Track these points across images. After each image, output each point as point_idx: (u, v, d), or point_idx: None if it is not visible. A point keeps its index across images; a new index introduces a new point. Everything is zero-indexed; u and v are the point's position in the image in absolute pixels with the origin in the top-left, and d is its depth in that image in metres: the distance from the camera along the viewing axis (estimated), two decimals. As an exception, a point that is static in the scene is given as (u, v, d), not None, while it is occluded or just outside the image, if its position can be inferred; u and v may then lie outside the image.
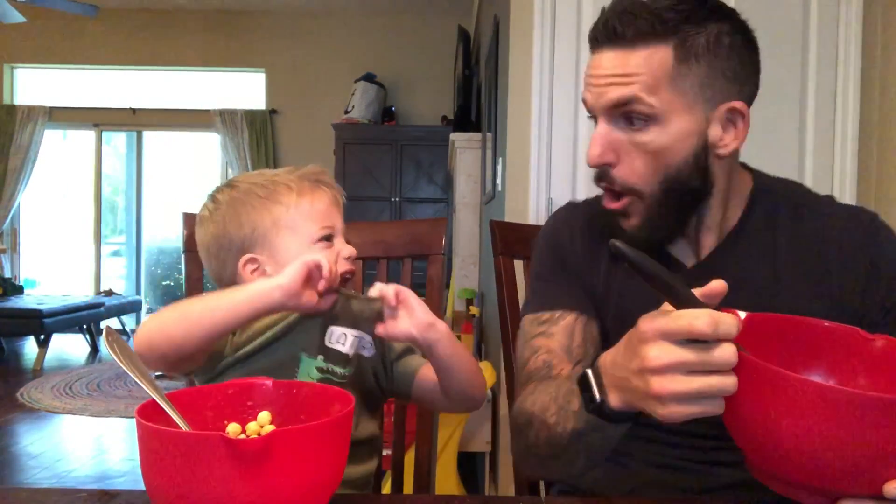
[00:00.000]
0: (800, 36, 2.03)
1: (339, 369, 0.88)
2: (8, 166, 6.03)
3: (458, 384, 0.86)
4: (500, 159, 2.51)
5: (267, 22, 6.11)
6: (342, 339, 0.89)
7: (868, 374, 0.60)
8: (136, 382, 0.60)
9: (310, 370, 0.87)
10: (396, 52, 6.04)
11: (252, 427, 0.64)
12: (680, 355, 0.55)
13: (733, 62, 0.77)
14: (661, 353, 0.56)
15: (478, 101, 4.06)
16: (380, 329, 0.79)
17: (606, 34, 0.77)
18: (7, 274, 6.23)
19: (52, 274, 6.72)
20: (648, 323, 0.58)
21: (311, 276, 0.76)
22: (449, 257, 4.16)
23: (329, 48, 6.10)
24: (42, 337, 5.07)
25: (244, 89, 6.27)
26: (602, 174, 0.80)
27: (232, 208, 0.90)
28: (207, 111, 6.10)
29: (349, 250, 0.90)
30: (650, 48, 0.75)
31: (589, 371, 0.68)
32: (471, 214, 3.97)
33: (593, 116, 0.82)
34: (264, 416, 0.65)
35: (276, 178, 0.91)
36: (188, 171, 6.69)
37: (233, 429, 0.63)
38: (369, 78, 5.62)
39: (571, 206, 0.99)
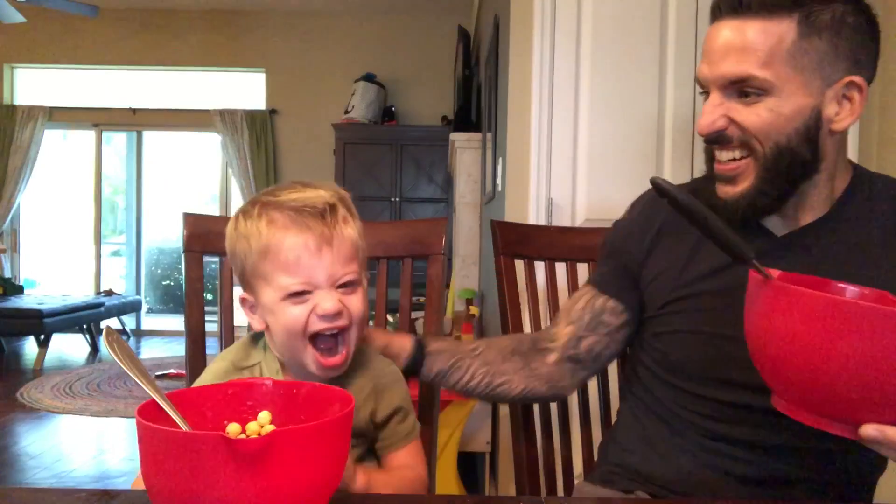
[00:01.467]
0: (800, 36, 2.03)
1: None
2: (8, 166, 6.03)
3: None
4: (500, 159, 2.51)
5: (267, 22, 6.11)
6: None
7: None
8: (136, 382, 0.60)
9: None
10: (396, 52, 6.04)
11: (252, 427, 0.64)
12: None
13: (855, 42, 0.77)
14: None
15: (478, 101, 4.06)
16: None
17: (731, 3, 0.77)
18: (7, 274, 6.23)
19: (52, 274, 6.72)
20: None
21: None
22: (449, 257, 4.16)
23: (329, 48, 6.10)
24: (42, 337, 5.08)
25: (244, 89, 6.27)
26: (716, 138, 0.81)
27: (231, 232, 0.83)
28: (207, 111, 6.10)
29: (325, 307, 0.77)
30: (774, 20, 0.75)
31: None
32: (471, 214, 3.97)
33: (705, 91, 0.82)
34: (264, 416, 0.65)
35: (265, 205, 0.80)
36: (188, 171, 6.69)
37: (233, 429, 0.63)
38: (369, 78, 5.62)
39: (651, 196, 1.00)
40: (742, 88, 0.77)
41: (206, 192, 6.73)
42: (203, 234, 1.13)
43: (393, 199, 5.52)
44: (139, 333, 6.54)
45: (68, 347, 5.76)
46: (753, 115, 0.77)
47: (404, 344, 0.92)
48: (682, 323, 0.88)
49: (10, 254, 6.38)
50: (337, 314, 0.78)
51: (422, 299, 1.31)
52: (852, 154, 2.03)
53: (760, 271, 0.57)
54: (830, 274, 0.73)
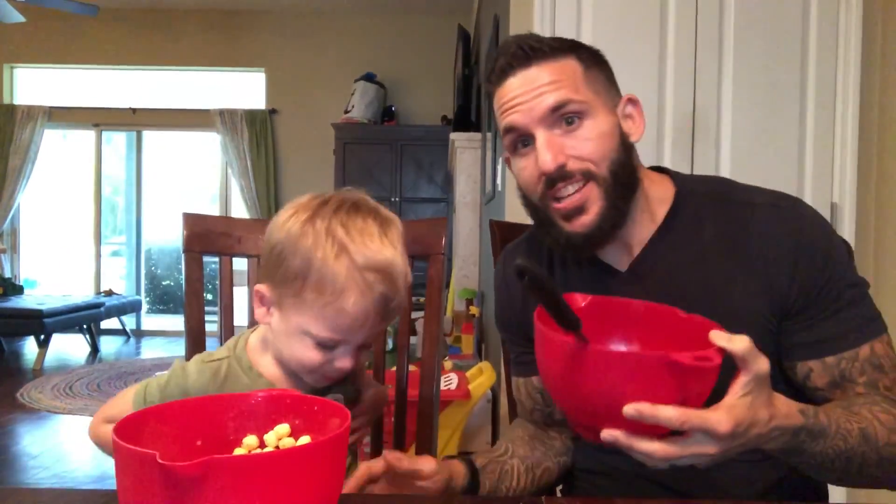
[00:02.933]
0: (800, 36, 2.03)
1: None
2: (8, 166, 6.03)
3: None
4: (500, 159, 2.51)
5: (267, 22, 6.11)
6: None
7: (673, 344, 0.67)
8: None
9: None
10: (396, 52, 6.04)
11: (270, 439, 0.64)
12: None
13: (609, 73, 0.90)
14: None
15: (478, 101, 4.06)
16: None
17: (524, 56, 0.84)
18: (7, 274, 6.23)
19: (52, 274, 6.72)
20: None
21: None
22: (449, 257, 4.16)
23: (329, 48, 6.10)
24: (42, 337, 5.07)
25: (244, 89, 6.27)
26: (558, 177, 0.84)
27: (293, 228, 0.78)
28: (207, 111, 6.10)
29: (344, 364, 0.79)
30: (561, 61, 0.85)
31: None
32: (471, 214, 3.97)
33: (521, 140, 0.87)
34: (283, 428, 0.64)
35: (344, 246, 0.76)
36: (188, 171, 6.69)
37: (249, 441, 0.63)
38: (369, 78, 5.62)
39: (508, 254, 1.06)
40: (564, 115, 0.83)
41: (206, 192, 6.73)
42: (203, 234, 1.14)
43: (393, 199, 5.52)
44: (139, 333, 6.54)
45: (68, 347, 5.76)
46: (583, 141, 0.83)
47: (458, 468, 0.91)
48: None
49: (10, 254, 6.38)
50: (353, 370, 0.82)
51: (422, 299, 1.31)
52: (852, 154, 2.03)
53: (582, 340, 0.62)
54: (680, 291, 0.83)
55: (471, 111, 4.15)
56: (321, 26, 6.09)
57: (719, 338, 0.61)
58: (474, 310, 3.53)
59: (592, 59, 0.88)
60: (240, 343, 0.87)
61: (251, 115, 6.07)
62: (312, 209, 0.79)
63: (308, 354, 0.79)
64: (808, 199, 2.05)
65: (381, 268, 0.76)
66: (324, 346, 0.78)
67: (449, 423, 2.12)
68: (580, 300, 0.75)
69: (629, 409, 0.58)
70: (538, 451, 0.99)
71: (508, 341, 1.06)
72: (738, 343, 0.61)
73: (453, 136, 3.94)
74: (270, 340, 0.84)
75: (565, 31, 2.01)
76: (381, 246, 0.77)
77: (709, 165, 2.03)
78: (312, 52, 6.10)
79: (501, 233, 1.25)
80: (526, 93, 0.84)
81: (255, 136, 6.06)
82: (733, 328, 0.65)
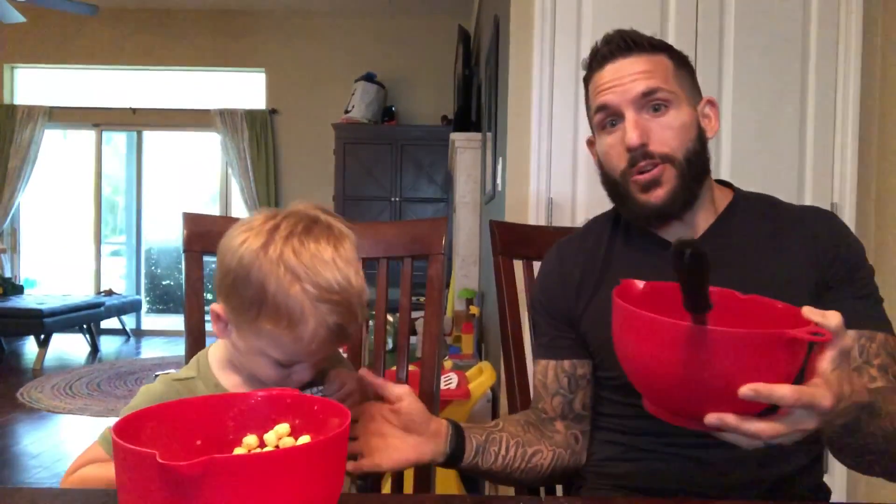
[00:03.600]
0: (800, 36, 2.03)
1: None
2: (8, 166, 6.03)
3: None
4: (500, 159, 2.51)
5: (267, 22, 6.11)
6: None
7: (740, 324, 0.68)
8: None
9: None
10: (396, 52, 6.04)
11: (270, 439, 0.64)
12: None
13: (694, 77, 1.00)
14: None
15: (478, 101, 4.06)
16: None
17: (625, 47, 0.94)
18: (7, 274, 6.23)
19: (52, 274, 6.72)
20: None
21: None
22: (449, 257, 4.16)
23: (329, 48, 6.10)
24: (42, 337, 5.07)
25: (244, 89, 6.27)
26: (640, 155, 0.92)
27: (244, 246, 0.77)
28: (207, 111, 6.10)
29: (301, 378, 0.81)
30: (656, 55, 0.95)
31: None
32: (471, 214, 3.97)
33: (609, 120, 0.95)
34: (282, 428, 0.64)
35: (298, 276, 0.74)
36: (188, 171, 6.69)
37: (249, 440, 0.63)
38: (369, 78, 5.62)
39: (557, 243, 1.10)
40: (653, 101, 0.92)
41: (206, 192, 6.73)
42: (203, 234, 1.13)
43: (393, 199, 5.51)
44: (139, 333, 6.54)
45: (68, 347, 5.76)
46: (666, 128, 0.92)
47: (442, 424, 0.91)
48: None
49: (10, 254, 6.38)
50: (311, 383, 0.83)
51: (422, 299, 1.31)
52: (852, 154, 2.03)
53: (702, 322, 0.62)
54: (740, 266, 0.91)
55: (471, 111, 4.15)
56: (321, 26, 6.09)
57: (813, 313, 0.63)
58: (474, 310, 3.53)
59: (682, 61, 0.98)
60: (202, 361, 0.87)
61: (251, 115, 6.07)
62: (264, 235, 0.76)
63: (267, 372, 0.80)
64: (808, 199, 2.05)
65: (336, 296, 0.75)
66: (282, 365, 0.79)
67: (449, 423, 2.12)
68: (638, 285, 0.77)
69: (746, 389, 0.59)
70: (531, 434, 0.99)
71: (545, 325, 1.06)
72: (832, 318, 0.63)
73: (453, 136, 3.94)
74: (231, 353, 0.84)
75: (565, 32, 2.02)
76: (335, 272, 0.75)
77: (710, 164, 2.02)
78: (312, 52, 6.10)
79: (501, 233, 1.25)
80: (622, 77, 0.93)
81: (256, 136, 6.06)
82: (784, 295, 0.71)
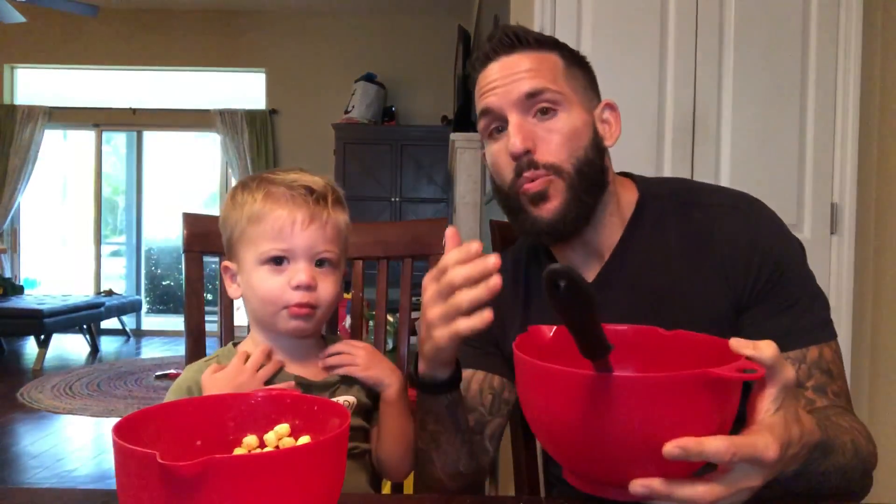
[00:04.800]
0: (800, 36, 2.03)
1: None
2: (8, 166, 6.03)
3: (391, 447, 0.89)
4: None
5: (267, 22, 6.11)
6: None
7: (665, 365, 0.61)
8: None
9: None
10: (396, 52, 6.04)
11: (270, 439, 0.64)
12: (432, 287, 0.68)
13: (591, 76, 0.91)
14: (428, 290, 0.69)
15: (478, 101, 4.05)
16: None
17: (508, 44, 0.86)
18: (7, 274, 6.23)
19: (52, 274, 6.72)
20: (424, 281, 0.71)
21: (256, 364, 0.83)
22: (449, 257, 4.15)
23: (329, 48, 6.10)
24: (42, 337, 5.07)
25: (244, 89, 6.27)
26: (525, 164, 0.84)
27: (228, 202, 0.88)
28: (207, 111, 6.10)
29: (300, 278, 0.82)
30: (544, 52, 0.86)
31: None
32: (471, 214, 3.97)
33: (495, 126, 0.87)
34: (282, 428, 0.64)
35: (264, 180, 0.86)
36: (188, 171, 6.69)
37: (249, 440, 0.63)
38: (369, 78, 5.62)
39: None
40: (540, 103, 0.84)
41: (206, 192, 6.73)
42: (203, 234, 1.13)
43: (393, 199, 5.51)
44: (139, 333, 6.54)
45: (68, 347, 5.76)
46: (554, 133, 0.84)
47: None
48: None
49: (10, 254, 6.38)
50: (310, 286, 0.83)
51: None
52: (852, 154, 2.03)
53: (606, 369, 0.53)
54: (646, 297, 0.83)
55: (471, 111, 4.15)
56: (321, 26, 6.09)
57: (742, 345, 0.55)
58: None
59: (574, 59, 0.89)
60: (229, 345, 0.93)
61: (251, 116, 6.07)
62: (240, 183, 0.89)
63: (266, 284, 0.84)
64: (807, 200, 2.05)
65: (298, 184, 0.84)
66: (276, 263, 0.83)
67: (449, 423, 2.12)
68: (546, 331, 0.67)
69: (671, 447, 0.50)
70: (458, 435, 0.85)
71: (473, 339, 0.91)
72: (765, 350, 0.54)
73: (453, 136, 3.94)
74: (248, 314, 0.89)
75: (565, 32, 2.01)
76: (298, 174, 0.86)
77: (709, 165, 2.03)
78: (312, 52, 6.10)
79: (501, 233, 1.25)
80: (505, 76, 0.85)
81: (256, 136, 6.06)
82: (699, 328, 0.63)
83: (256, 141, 6.05)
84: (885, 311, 1.90)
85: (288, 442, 0.63)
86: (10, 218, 6.19)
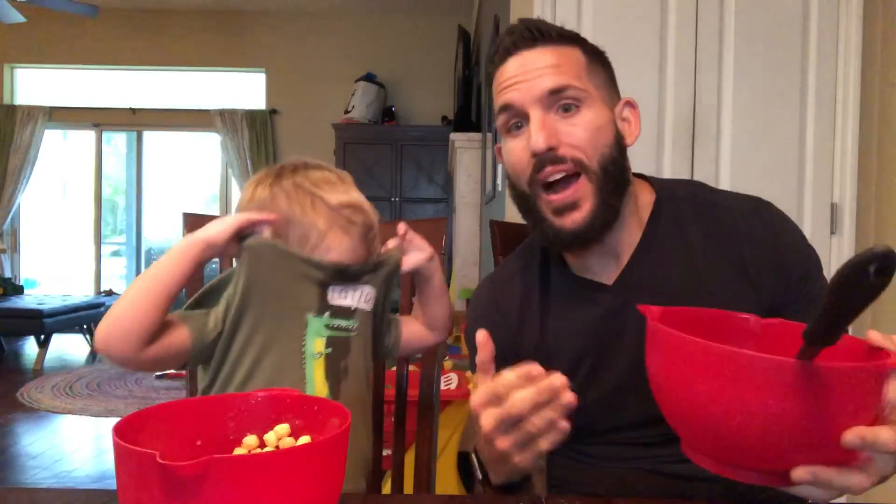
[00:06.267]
0: (800, 36, 2.03)
1: (344, 323, 0.88)
2: (8, 166, 6.03)
3: (443, 311, 0.99)
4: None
5: (267, 22, 6.11)
6: (343, 294, 0.87)
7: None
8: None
9: (319, 329, 0.86)
10: (396, 52, 6.04)
11: (270, 439, 0.64)
12: (495, 414, 0.63)
13: (611, 73, 0.89)
14: (486, 418, 0.64)
15: (478, 101, 4.06)
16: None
17: (530, 38, 0.84)
18: (7, 274, 6.23)
19: (52, 274, 6.72)
20: (472, 399, 0.66)
21: (242, 231, 0.83)
22: (449, 257, 4.16)
23: (329, 48, 6.10)
24: (42, 337, 5.07)
25: (244, 89, 6.27)
26: (548, 159, 0.81)
27: (272, 202, 0.86)
28: (207, 111, 6.10)
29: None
30: (567, 47, 0.84)
31: (472, 454, 0.81)
32: (471, 214, 3.97)
33: (514, 122, 0.85)
34: (282, 428, 0.64)
35: (318, 196, 0.87)
36: (188, 171, 6.69)
37: (249, 440, 0.63)
38: (369, 78, 5.62)
39: (488, 284, 1.01)
40: (562, 100, 0.81)
41: (206, 192, 6.73)
42: (203, 234, 1.13)
43: (393, 199, 5.52)
44: (139, 333, 6.53)
45: (68, 347, 5.76)
46: (578, 129, 0.81)
47: None
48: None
49: (10, 254, 6.38)
50: None
51: (422, 299, 1.31)
52: (852, 154, 2.03)
53: (809, 359, 0.52)
54: (670, 297, 0.76)
55: (471, 111, 4.15)
56: (321, 26, 6.09)
57: (883, 338, 0.57)
58: (474, 310, 3.53)
59: (596, 54, 0.87)
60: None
61: (251, 116, 6.07)
62: (273, 174, 0.88)
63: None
64: (807, 200, 2.05)
65: (353, 204, 0.87)
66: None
67: (449, 423, 2.12)
68: (654, 311, 0.66)
69: (852, 437, 0.51)
70: None
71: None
72: None
73: (453, 136, 3.94)
74: None
75: (565, 32, 2.01)
76: (346, 189, 0.89)
77: (709, 165, 2.03)
78: (312, 52, 6.10)
79: (501, 233, 1.25)
80: (526, 72, 0.82)
81: (256, 136, 6.06)
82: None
83: (256, 141, 6.05)
84: (885, 311, 1.90)
85: (288, 442, 0.64)
86: (10, 218, 6.19)
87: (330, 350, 0.86)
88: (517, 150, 0.84)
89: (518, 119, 0.84)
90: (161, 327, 0.79)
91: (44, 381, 4.55)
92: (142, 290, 0.78)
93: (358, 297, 0.89)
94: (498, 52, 0.86)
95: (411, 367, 1.23)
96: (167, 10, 6.07)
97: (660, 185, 0.91)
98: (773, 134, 2.04)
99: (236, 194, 6.21)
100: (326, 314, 0.86)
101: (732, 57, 2.03)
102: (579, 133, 0.81)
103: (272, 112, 6.13)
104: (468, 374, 2.49)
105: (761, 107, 2.04)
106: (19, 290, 5.82)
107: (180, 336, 0.82)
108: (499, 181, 2.63)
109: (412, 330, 1.01)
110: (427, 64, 6.01)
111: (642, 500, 0.87)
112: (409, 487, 1.12)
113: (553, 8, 2.02)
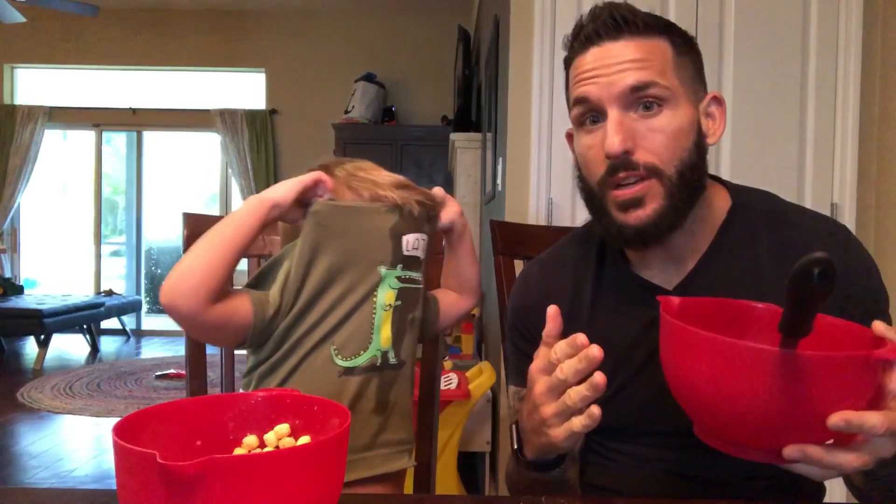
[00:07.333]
0: (800, 36, 2.03)
1: (415, 274, 0.89)
2: (8, 166, 6.03)
3: (474, 271, 1.01)
4: (500, 159, 2.51)
5: (267, 22, 6.11)
6: (416, 244, 0.88)
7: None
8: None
9: (391, 282, 0.86)
10: (396, 52, 6.04)
11: (270, 439, 0.64)
12: (542, 381, 0.68)
13: (700, 64, 0.84)
14: (540, 385, 0.69)
15: (478, 101, 4.06)
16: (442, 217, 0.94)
17: (615, 27, 0.78)
18: (7, 274, 6.23)
19: (52, 274, 6.72)
20: (532, 367, 0.71)
21: (305, 192, 0.84)
22: (449, 257, 4.15)
23: (329, 48, 6.10)
24: (42, 337, 5.08)
25: (244, 89, 6.27)
26: (621, 164, 0.77)
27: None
28: (207, 111, 6.10)
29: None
30: (654, 39, 0.78)
31: (513, 424, 0.81)
32: (471, 214, 3.97)
33: (589, 116, 0.81)
34: (282, 428, 0.64)
35: (368, 178, 0.91)
36: (188, 171, 6.69)
37: (249, 440, 0.63)
38: (369, 78, 5.62)
39: (539, 265, 0.99)
40: (644, 98, 0.77)
41: (206, 192, 6.73)
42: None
43: (393, 199, 5.51)
44: (139, 333, 6.54)
45: (68, 347, 5.76)
46: (657, 132, 0.77)
47: None
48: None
49: (10, 254, 6.38)
50: None
51: (422, 299, 1.31)
52: (852, 154, 2.03)
53: (792, 347, 0.57)
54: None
55: (471, 111, 4.15)
56: (321, 26, 6.09)
57: (887, 330, 0.59)
58: (474, 310, 3.54)
59: (686, 46, 0.81)
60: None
61: (251, 116, 6.07)
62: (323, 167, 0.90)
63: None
64: (808, 200, 2.05)
65: (405, 182, 0.89)
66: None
67: (449, 423, 2.12)
68: (673, 302, 0.69)
69: (837, 419, 0.54)
70: None
71: (520, 350, 0.95)
72: None
73: (453, 136, 3.94)
74: None
75: (565, 31, 2.01)
76: (389, 172, 0.91)
77: (709, 165, 2.02)
78: (312, 52, 6.10)
79: (501, 233, 1.25)
80: (608, 66, 0.77)
81: (256, 136, 6.06)
82: None
83: (256, 141, 6.05)
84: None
85: (288, 442, 0.63)
86: (10, 218, 6.19)
87: (399, 302, 0.87)
88: (591, 146, 0.81)
89: (594, 113, 0.80)
90: (226, 289, 0.79)
91: (44, 381, 4.55)
92: (210, 246, 0.78)
93: (424, 247, 0.90)
94: (578, 38, 0.81)
95: (411, 367, 1.23)
96: (167, 10, 6.07)
97: (736, 193, 0.88)
98: (773, 133, 2.04)
99: (236, 194, 6.21)
100: (399, 266, 0.87)
101: (732, 56, 2.03)
102: (658, 138, 0.77)
103: (272, 112, 6.13)
104: (482, 365, 2.50)
105: (761, 106, 2.04)
106: (19, 290, 5.82)
107: (244, 305, 0.81)
108: (498, 181, 2.62)
109: (447, 300, 1.01)
110: (427, 64, 6.01)
111: (645, 501, 0.87)
112: (409, 487, 1.12)
113: (553, 8, 2.02)
